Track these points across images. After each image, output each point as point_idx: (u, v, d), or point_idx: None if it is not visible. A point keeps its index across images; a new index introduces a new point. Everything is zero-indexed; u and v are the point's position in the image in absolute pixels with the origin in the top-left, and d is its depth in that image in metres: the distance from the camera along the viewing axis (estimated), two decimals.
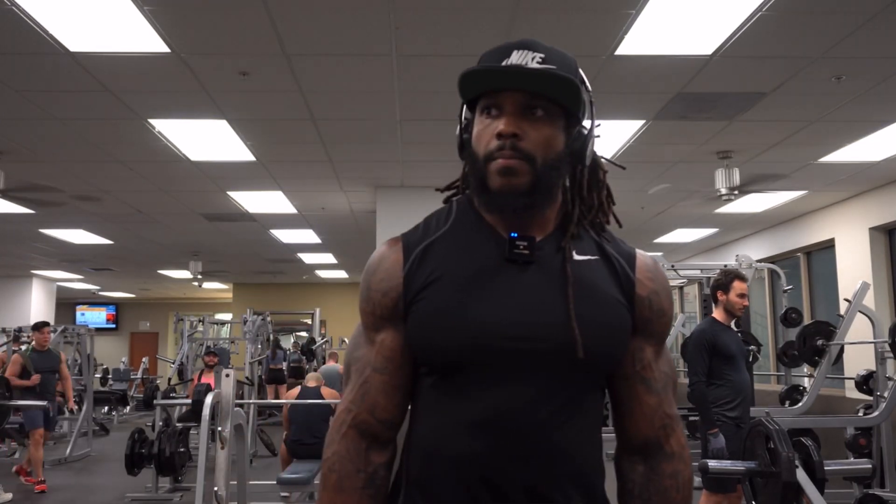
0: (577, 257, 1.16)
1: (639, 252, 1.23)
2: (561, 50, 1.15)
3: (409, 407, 1.20)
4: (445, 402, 1.13)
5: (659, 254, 7.47)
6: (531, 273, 1.13)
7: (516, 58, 1.10)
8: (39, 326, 7.50)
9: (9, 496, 6.40)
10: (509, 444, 1.08)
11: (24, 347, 8.29)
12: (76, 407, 8.16)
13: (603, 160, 1.29)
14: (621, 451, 1.22)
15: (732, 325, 4.43)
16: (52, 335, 7.70)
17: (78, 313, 20.16)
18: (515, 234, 1.14)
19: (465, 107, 1.21)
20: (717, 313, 4.37)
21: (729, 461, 3.88)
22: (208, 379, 8.30)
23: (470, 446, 1.09)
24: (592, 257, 1.18)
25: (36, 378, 7.13)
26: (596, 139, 1.22)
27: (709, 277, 7.72)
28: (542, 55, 1.11)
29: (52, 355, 7.50)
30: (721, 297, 4.35)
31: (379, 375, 1.17)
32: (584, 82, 1.17)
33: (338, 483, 1.17)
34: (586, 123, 1.19)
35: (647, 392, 1.18)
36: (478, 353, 1.09)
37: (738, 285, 4.32)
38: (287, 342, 14.91)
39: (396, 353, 1.17)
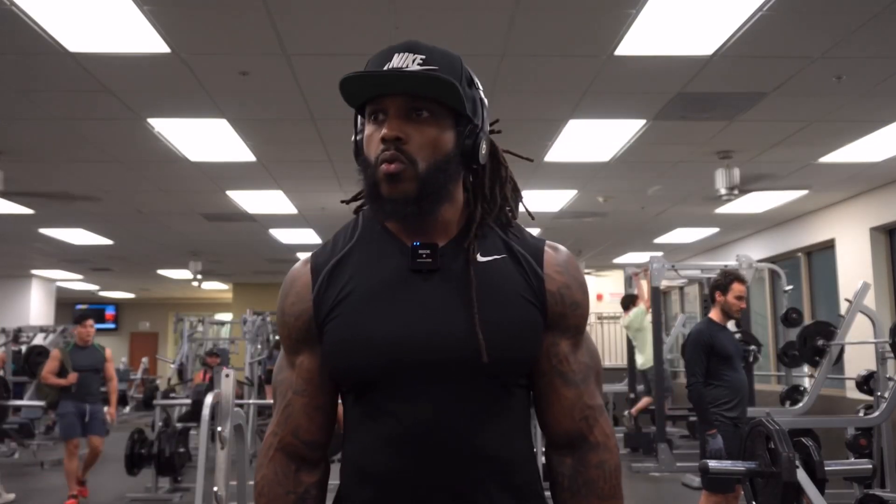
0: (481, 258, 1.14)
1: (548, 245, 1.20)
2: (444, 49, 1.14)
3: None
4: (365, 420, 1.13)
5: (659, 254, 7.47)
6: (436, 281, 1.12)
7: (397, 61, 1.10)
8: (81, 319, 6.58)
9: (11, 496, 6.40)
10: (429, 456, 1.08)
11: (65, 342, 7.67)
12: (113, 418, 6.86)
13: (507, 154, 1.28)
14: (549, 446, 1.21)
15: (731, 325, 4.44)
16: (93, 329, 6.59)
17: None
18: (418, 243, 1.14)
19: (357, 113, 1.20)
20: (714, 314, 4.38)
21: (729, 461, 3.87)
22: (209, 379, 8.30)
23: (391, 462, 1.09)
24: (498, 256, 1.16)
25: (73, 377, 6.25)
26: (493, 136, 1.23)
27: (709, 277, 7.72)
28: (423, 56, 1.10)
29: (96, 352, 6.56)
30: (719, 297, 4.36)
31: (300, 398, 1.18)
32: (472, 81, 1.16)
33: None
34: (485, 122, 1.19)
35: (564, 385, 1.17)
36: (388, 370, 1.09)
37: (736, 287, 4.33)
38: None
39: (314, 374, 1.17)
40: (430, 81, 1.08)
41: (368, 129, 1.14)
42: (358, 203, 1.26)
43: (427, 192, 1.10)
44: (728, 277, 4.37)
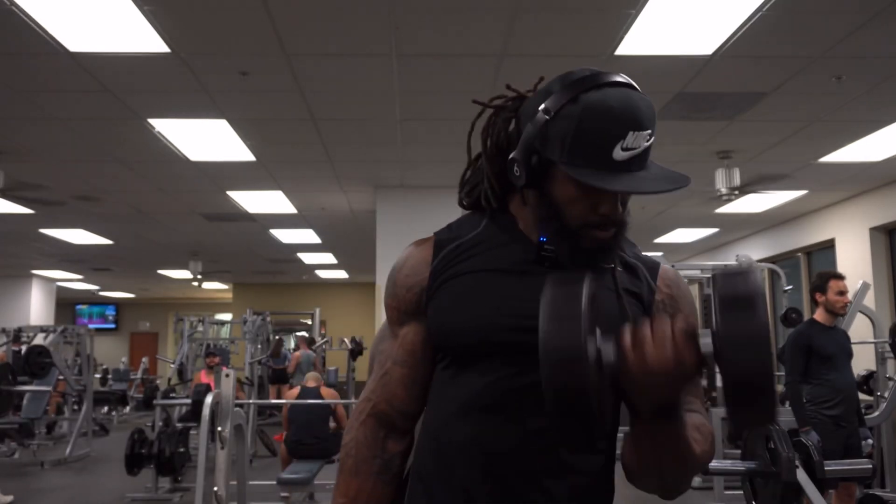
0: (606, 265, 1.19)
1: (663, 264, 1.27)
2: (650, 102, 1.11)
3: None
4: (451, 389, 1.16)
5: (659, 254, 7.47)
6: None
7: (631, 140, 1.06)
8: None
9: (9, 498, 6.40)
10: (504, 430, 1.11)
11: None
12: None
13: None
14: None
15: (837, 322, 4.44)
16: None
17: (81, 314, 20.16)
18: (545, 238, 1.16)
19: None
20: (819, 314, 4.42)
21: (730, 461, 3.88)
22: (209, 379, 8.30)
23: (463, 431, 1.13)
24: (614, 266, 1.20)
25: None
26: None
27: (709, 277, 7.73)
28: (650, 131, 1.08)
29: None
30: (819, 298, 4.40)
31: (399, 368, 1.22)
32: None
33: (354, 467, 1.22)
34: None
35: None
36: (487, 341, 1.13)
37: (834, 284, 4.37)
38: (289, 342, 14.90)
39: (418, 346, 1.21)
40: (678, 187, 1.09)
41: (576, 190, 1.10)
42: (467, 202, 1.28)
43: (621, 238, 1.16)
44: (823, 277, 4.42)
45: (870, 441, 4.47)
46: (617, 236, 1.14)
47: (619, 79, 1.13)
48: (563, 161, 1.08)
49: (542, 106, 1.12)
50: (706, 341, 0.92)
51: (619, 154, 1.06)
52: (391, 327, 1.25)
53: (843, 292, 4.37)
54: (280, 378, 11.47)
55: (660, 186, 1.07)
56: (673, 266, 7.26)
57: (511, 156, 1.15)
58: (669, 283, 1.24)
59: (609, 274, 1.18)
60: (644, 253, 1.28)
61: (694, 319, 1.23)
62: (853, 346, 4.49)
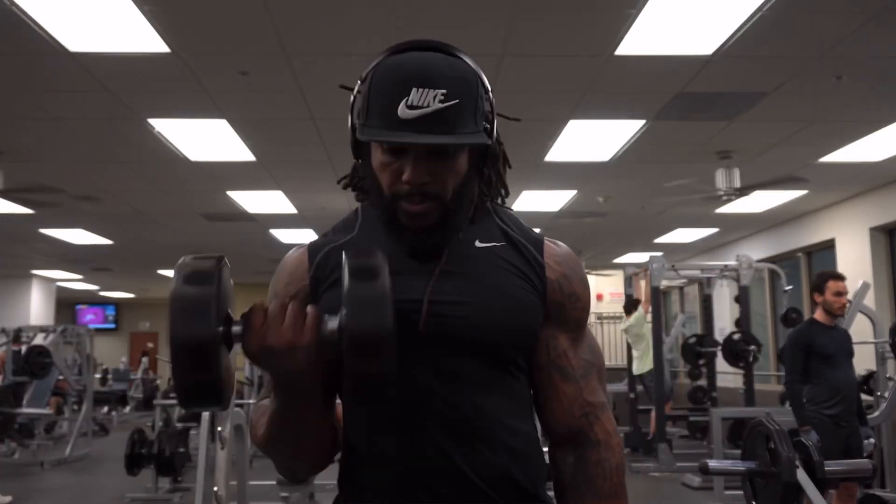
0: (479, 244, 1.15)
1: (547, 239, 1.21)
2: (458, 64, 1.09)
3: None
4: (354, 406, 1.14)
5: (659, 254, 7.47)
6: (433, 263, 1.13)
7: (416, 97, 1.04)
8: None
9: (8, 499, 6.39)
10: (427, 428, 1.08)
11: None
12: None
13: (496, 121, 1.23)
14: (552, 443, 1.20)
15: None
16: None
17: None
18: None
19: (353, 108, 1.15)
20: (818, 314, 4.41)
21: (730, 461, 3.88)
22: None
23: (389, 437, 1.10)
24: (497, 244, 1.16)
25: None
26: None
27: (709, 278, 7.74)
28: (444, 91, 1.05)
29: None
30: (818, 298, 4.40)
31: None
32: (487, 91, 1.13)
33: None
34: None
35: (563, 381, 1.16)
36: None
37: (832, 285, 4.37)
38: None
39: None
40: (462, 146, 1.08)
41: (380, 154, 1.10)
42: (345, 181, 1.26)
43: (449, 219, 1.11)
44: (822, 277, 4.42)
45: (872, 440, 4.46)
46: (441, 215, 1.09)
47: (428, 44, 1.11)
48: (360, 124, 1.10)
49: (360, 78, 1.14)
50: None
51: (403, 112, 1.04)
52: None
53: (841, 293, 4.37)
54: None
55: (427, 139, 1.04)
56: (674, 266, 7.27)
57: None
58: (560, 261, 1.18)
59: (492, 252, 1.15)
60: (551, 241, 1.22)
61: (586, 295, 1.20)
62: (853, 346, 4.48)
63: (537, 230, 1.24)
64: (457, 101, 1.06)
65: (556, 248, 1.20)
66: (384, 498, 1.10)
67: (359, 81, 1.14)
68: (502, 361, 1.13)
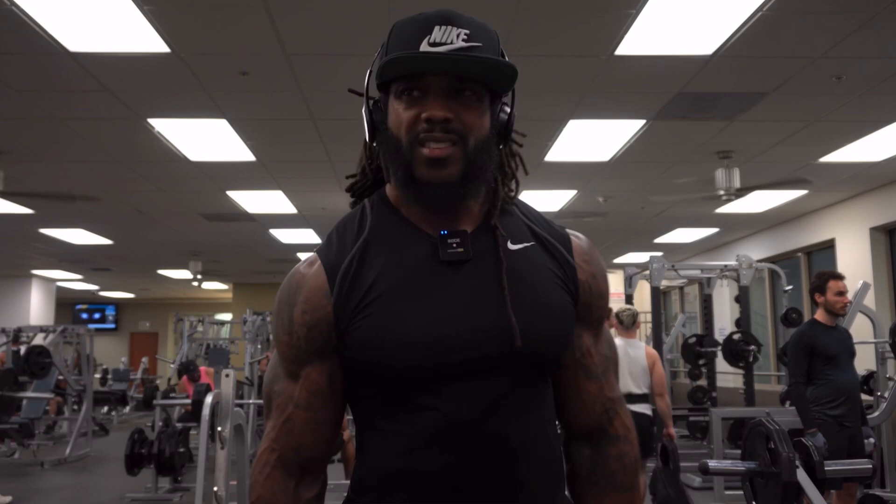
0: (512, 247, 1.09)
1: (571, 233, 1.18)
2: (481, 21, 1.07)
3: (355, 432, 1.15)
4: (397, 422, 1.05)
5: (659, 254, 7.47)
6: (468, 272, 1.06)
7: (439, 34, 1.01)
8: None
9: (8, 499, 6.39)
10: (474, 451, 1.02)
11: None
12: None
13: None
14: (568, 437, 1.19)
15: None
16: None
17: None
18: (446, 232, 1.07)
19: (368, 87, 1.11)
20: (819, 315, 4.41)
21: (730, 461, 3.87)
22: (208, 379, 8.30)
23: (433, 460, 1.02)
24: (528, 244, 1.11)
25: None
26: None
27: (709, 278, 7.74)
28: (467, 31, 1.03)
29: None
30: (819, 299, 4.40)
31: (303, 412, 1.08)
32: (503, 55, 1.11)
33: None
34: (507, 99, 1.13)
35: (587, 379, 1.15)
36: (426, 370, 1.02)
37: (833, 285, 4.37)
38: None
39: (324, 387, 1.08)
40: (499, 66, 1.02)
41: (398, 106, 1.05)
42: (352, 181, 1.21)
43: (473, 175, 1.04)
44: (822, 277, 4.42)
45: (872, 440, 4.46)
46: (464, 167, 1.03)
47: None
48: (378, 78, 1.06)
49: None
50: None
51: (426, 48, 1.01)
52: (286, 366, 1.09)
53: (842, 292, 4.37)
54: None
55: (451, 53, 1.00)
56: (674, 266, 7.27)
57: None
58: (588, 259, 1.15)
59: (527, 255, 1.10)
60: (574, 235, 1.19)
61: (608, 290, 1.19)
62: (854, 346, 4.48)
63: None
64: (480, 44, 1.04)
65: (581, 244, 1.17)
66: None
67: (376, 56, 1.11)
68: (541, 372, 1.11)
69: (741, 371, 7.43)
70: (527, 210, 1.18)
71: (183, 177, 6.84)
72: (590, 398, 1.15)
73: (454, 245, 1.06)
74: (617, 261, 12.72)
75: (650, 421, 4.87)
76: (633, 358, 4.83)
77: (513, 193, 1.17)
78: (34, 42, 3.89)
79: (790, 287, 7.49)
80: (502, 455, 1.04)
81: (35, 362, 8.46)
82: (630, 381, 4.78)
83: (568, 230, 1.18)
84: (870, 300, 6.31)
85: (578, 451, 1.17)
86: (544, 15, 3.74)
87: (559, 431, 1.18)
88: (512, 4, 3.61)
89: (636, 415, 4.58)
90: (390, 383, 1.05)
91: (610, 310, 4.97)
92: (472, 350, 1.03)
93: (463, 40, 1.02)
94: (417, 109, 1.03)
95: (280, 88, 4.65)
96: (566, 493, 1.16)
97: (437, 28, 1.02)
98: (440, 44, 1.01)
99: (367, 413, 1.10)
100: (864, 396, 5.83)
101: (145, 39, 3.90)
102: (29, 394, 8.53)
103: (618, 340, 4.85)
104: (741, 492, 3.49)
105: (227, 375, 3.83)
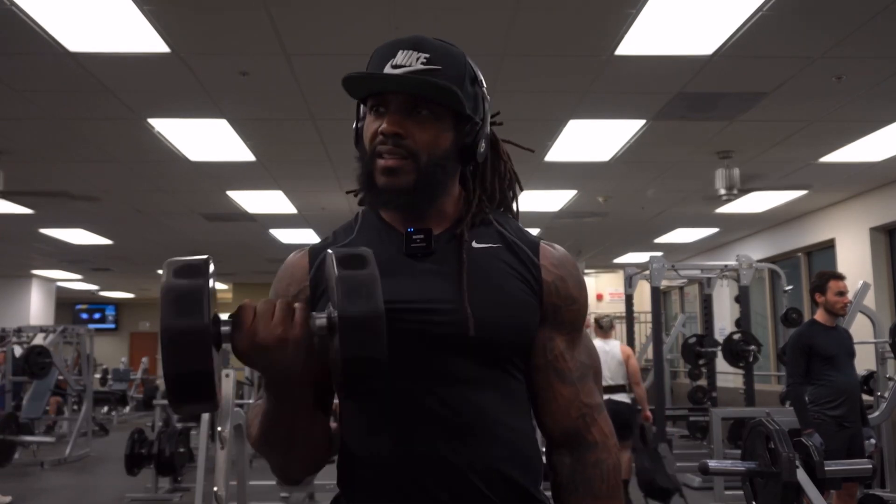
0: (476, 245, 1.17)
1: (545, 242, 1.23)
2: (449, 46, 1.16)
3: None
4: (359, 402, 1.14)
5: (659, 254, 7.47)
6: (429, 263, 1.15)
7: (401, 58, 1.12)
8: None
9: (8, 499, 6.40)
10: (426, 429, 1.08)
11: None
12: None
13: (509, 144, 1.33)
14: (549, 445, 1.22)
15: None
16: None
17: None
18: (412, 229, 1.16)
19: (359, 101, 1.22)
20: (819, 315, 4.41)
21: (730, 461, 3.88)
22: None
23: (389, 439, 1.10)
24: (493, 245, 1.18)
25: None
26: (493, 128, 1.26)
27: (709, 278, 7.74)
28: (427, 55, 1.12)
29: None
30: (819, 299, 4.40)
31: None
32: (475, 78, 1.18)
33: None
34: (487, 117, 1.21)
35: (561, 383, 1.17)
36: None
37: (833, 285, 4.37)
38: None
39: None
40: (429, 87, 1.11)
41: (369, 119, 1.16)
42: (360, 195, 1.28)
43: (423, 185, 1.13)
44: (823, 277, 4.42)
45: (873, 441, 4.46)
46: (416, 179, 1.11)
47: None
48: (348, 93, 1.16)
49: None
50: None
51: (388, 70, 1.12)
52: None
53: (842, 292, 4.37)
54: None
55: (399, 73, 1.10)
56: (674, 266, 7.27)
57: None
58: (556, 264, 1.19)
59: (489, 252, 1.16)
60: (547, 244, 1.24)
61: (583, 298, 1.21)
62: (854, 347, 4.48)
63: (536, 231, 1.25)
64: (439, 67, 1.12)
65: (552, 250, 1.21)
66: (380, 498, 1.10)
67: None
68: (499, 360, 1.14)
69: (741, 371, 7.43)
70: (504, 221, 1.24)
71: (183, 177, 6.84)
72: (565, 402, 1.17)
73: (418, 240, 1.16)
74: (617, 261, 12.73)
75: (629, 408, 5.69)
76: (610, 353, 5.70)
77: (489, 209, 1.23)
78: (34, 42, 3.89)
79: (790, 287, 7.50)
80: (454, 434, 1.08)
81: (35, 362, 8.47)
82: (607, 373, 5.57)
83: (544, 241, 1.23)
84: (870, 300, 6.31)
85: (560, 460, 1.19)
86: (544, 15, 3.74)
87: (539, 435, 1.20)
88: (512, 4, 3.61)
89: (616, 402, 5.49)
90: None
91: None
92: (422, 325, 1.10)
93: (422, 63, 1.12)
94: (379, 123, 1.14)
95: (280, 88, 4.65)
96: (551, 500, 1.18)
97: (400, 52, 1.13)
98: (400, 66, 1.12)
99: (340, 401, 1.17)
100: (864, 396, 5.85)
101: (145, 39, 3.90)
102: (30, 438, 8.42)
103: (596, 342, 5.61)
104: (741, 492, 3.49)
105: (226, 375, 3.83)
